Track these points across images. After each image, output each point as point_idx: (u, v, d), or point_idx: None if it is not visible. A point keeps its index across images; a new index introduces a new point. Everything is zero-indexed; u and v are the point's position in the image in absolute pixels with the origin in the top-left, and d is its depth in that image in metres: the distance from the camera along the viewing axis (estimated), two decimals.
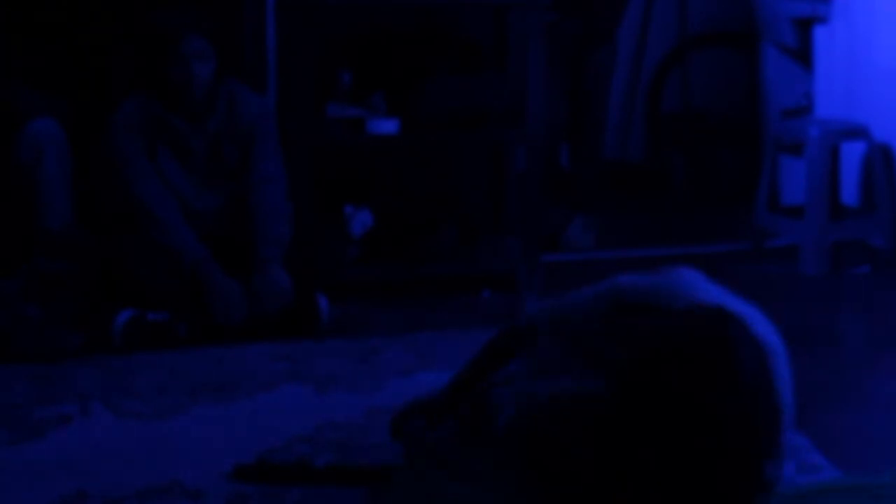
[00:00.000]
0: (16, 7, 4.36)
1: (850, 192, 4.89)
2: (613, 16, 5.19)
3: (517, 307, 4.09)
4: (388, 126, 4.29)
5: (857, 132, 4.74)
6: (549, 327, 2.51)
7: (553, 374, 2.37)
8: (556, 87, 4.87)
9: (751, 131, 5.92)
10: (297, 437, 2.93)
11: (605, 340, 2.29)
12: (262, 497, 2.61)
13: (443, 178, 4.79)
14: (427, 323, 3.93)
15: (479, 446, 2.43)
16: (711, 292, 2.46)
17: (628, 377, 2.13)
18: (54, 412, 3.12)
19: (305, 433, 2.96)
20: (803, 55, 5.40)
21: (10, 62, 4.29)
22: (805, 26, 5.34)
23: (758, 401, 2.15)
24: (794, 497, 2.48)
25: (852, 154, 4.85)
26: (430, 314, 4.06)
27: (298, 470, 2.75)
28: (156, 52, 3.81)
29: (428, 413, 2.72)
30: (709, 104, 6.28)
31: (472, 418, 2.54)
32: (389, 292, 4.26)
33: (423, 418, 2.72)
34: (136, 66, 4.04)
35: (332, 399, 3.25)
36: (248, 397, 3.26)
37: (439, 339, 3.74)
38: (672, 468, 2.08)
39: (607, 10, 5.15)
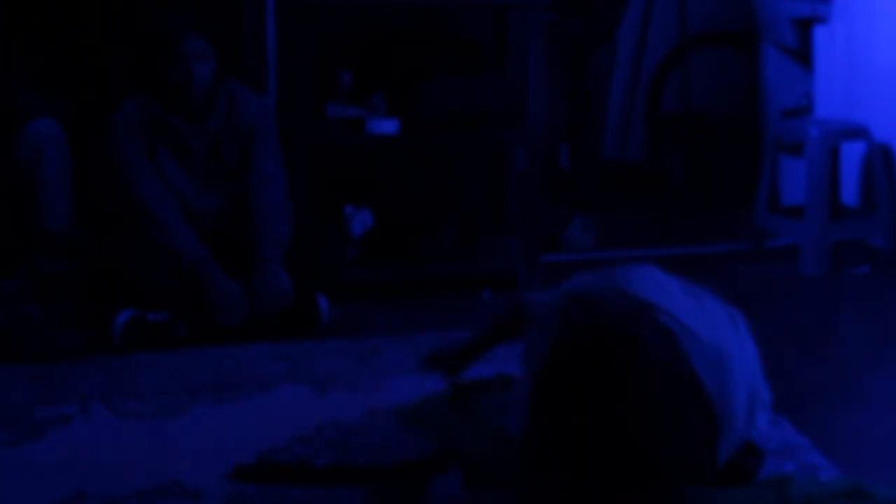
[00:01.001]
0: (16, 7, 4.36)
1: (850, 192, 4.89)
2: (613, 16, 5.19)
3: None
4: (388, 126, 4.29)
5: (857, 132, 4.74)
6: (537, 314, 2.65)
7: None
8: (556, 87, 4.86)
9: (751, 131, 5.92)
10: (297, 437, 2.93)
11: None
12: (262, 497, 2.61)
13: (443, 178, 4.79)
14: (427, 323, 3.93)
15: None
16: (656, 288, 2.51)
17: (548, 364, 2.38)
18: (54, 412, 3.12)
19: (305, 433, 2.96)
20: (803, 55, 5.40)
21: (10, 62, 4.29)
22: (805, 26, 5.34)
23: (651, 392, 2.31)
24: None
25: (852, 154, 4.85)
26: (430, 314, 4.06)
27: (299, 470, 2.75)
28: (156, 52, 3.81)
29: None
30: (709, 104, 6.28)
31: None
32: (389, 292, 4.26)
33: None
34: (136, 66, 4.04)
35: (332, 399, 3.24)
36: (248, 397, 3.26)
37: (439, 339, 3.73)
38: (581, 446, 2.30)
39: (607, 10, 5.15)
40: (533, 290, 4.20)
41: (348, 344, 3.71)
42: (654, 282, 2.57)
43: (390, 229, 4.53)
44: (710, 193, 5.96)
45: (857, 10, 4.92)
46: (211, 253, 3.80)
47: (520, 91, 4.40)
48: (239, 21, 4.44)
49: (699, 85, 6.30)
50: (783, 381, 2.68)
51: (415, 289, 4.28)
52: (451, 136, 4.44)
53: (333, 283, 4.04)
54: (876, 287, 4.48)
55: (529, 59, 4.37)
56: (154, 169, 3.86)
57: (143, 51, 3.90)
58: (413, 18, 4.61)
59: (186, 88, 3.80)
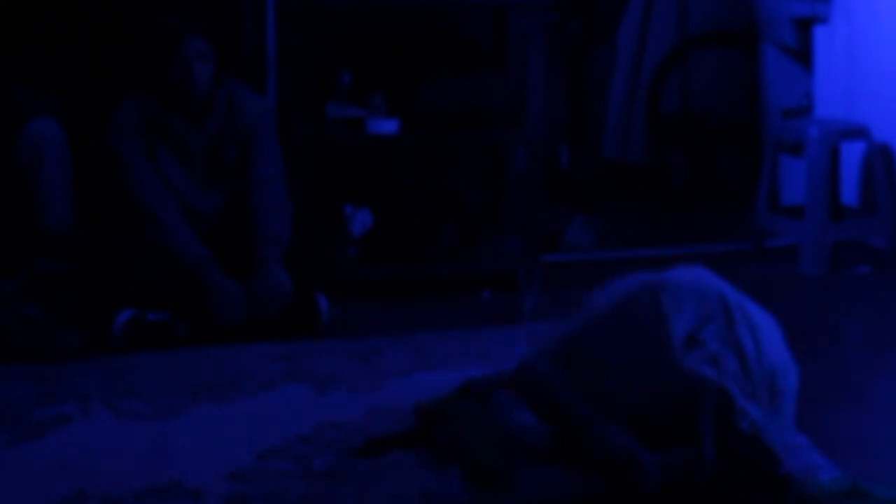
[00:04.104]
0: (16, 7, 4.36)
1: (850, 192, 4.89)
2: (613, 16, 5.19)
3: (517, 307, 4.09)
4: (388, 126, 4.28)
5: (857, 132, 4.74)
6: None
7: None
8: (556, 87, 4.86)
9: (751, 131, 5.92)
10: (297, 437, 2.93)
11: None
12: (262, 497, 2.62)
13: (443, 178, 4.79)
14: (427, 323, 3.93)
15: None
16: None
17: None
18: (54, 412, 3.12)
19: (305, 433, 2.96)
20: (803, 55, 5.40)
21: (10, 62, 4.29)
22: (805, 26, 5.34)
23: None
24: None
25: (852, 154, 4.85)
26: (430, 314, 4.05)
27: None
28: (156, 52, 3.81)
29: None
30: (709, 104, 6.28)
31: None
32: (389, 292, 4.26)
33: None
34: (136, 66, 4.04)
35: (332, 399, 3.24)
36: (248, 397, 3.26)
37: (439, 339, 3.74)
38: None
39: (607, 10, 5.15)
40: (529, 296, 4.20)
41: (348, 344, 3.71)
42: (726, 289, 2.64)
43: (390, 229, 4.53)
44: (711, 193, 5.96)
45: (857, 10, 4.92)
46: (211, 253, 3.80)
47: (520, 91, 4.40)
48: (239, 21, 4.44)
49: (699, 85, 6.29)
50: None
51: (415, 289, 4.28)
52: (451, 136, 4.44)
53: (333, 283, 4.04)
54: (876, 287, 4.48)
55: (529, 59, 4.37)
56: (154, 169, 3.86)
57: (144, 51, 3.90)
58: (413, 18, 4.60)
59: (187, 89, 3.80)
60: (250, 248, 3.83)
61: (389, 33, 4.57)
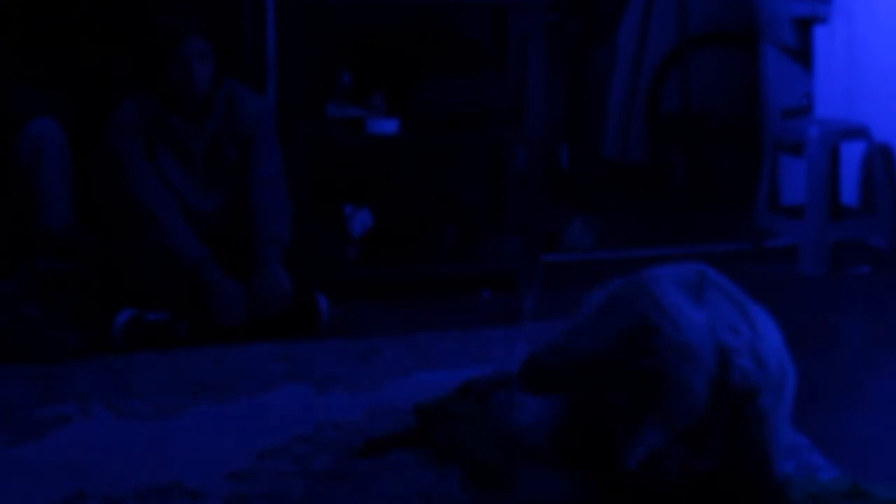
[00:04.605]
0: (16, 7, 4.36)
1: (850, 192, 4.89)
2: (613, 16, 5.19)
3: (517, 307, 4.09)
4: (388, 126, 4.29)
5: (857, 132, 4.74)
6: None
7: None
8: (556, 87, 4.86)
9: (751, 131, 5.92)
10: (297, 437, 2.93)
11: None
12: (262, 497, 2.62)
13: (443, 178, 4.79)
14: (427, 323, 3.93)
15: None
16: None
17: None
18: (54, 412, 3.12)
19: (305, 433, 2.96)
20: (803, 55, 5.40)
21: (10, 62, 4.29)
22: (805, 26, 5.34)
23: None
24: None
25: (852, 154, 4.85)
26: (430, 314, 4.05)
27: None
28: (157, 52, 3.81)
29: None
30: (709, 104, 6.28)
31: None
32: (389, 292, 4.26)
33: None
34: (136, 66, 4.04)
35: (332, 399, 3.24)
36: (248, 397, 3.26)
37: (439, 339, 3.74)
38: None
39: (607, 10, 5.15)
40: (529, 296, 4.20)
41: (348, 344, 3.71)
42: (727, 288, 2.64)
43: (390, 229, 4.53)
44: (711, 193, 5.96)
45: (857, 10, 4.92)
46: (211, 253, 3.80)
47: (520, 91, 4.40)
48: (239, 21, 4.44)
49: (699, 85, 6.30)
50: None
51: (415, 289, 4.28)
52: (451, 136, 4.44)
53: (333, 283, 4.04)
54: (876, 287, 4.48)
55: (529, 59, 4.37)
56: (154, 169, 3.86)
57: (144, 51, 3.90)
58: (413, 18, 4.61)
59: (187, 89, 3.80)
60: (250, 248, 3.83)
61: (389, 33, 4.57)
